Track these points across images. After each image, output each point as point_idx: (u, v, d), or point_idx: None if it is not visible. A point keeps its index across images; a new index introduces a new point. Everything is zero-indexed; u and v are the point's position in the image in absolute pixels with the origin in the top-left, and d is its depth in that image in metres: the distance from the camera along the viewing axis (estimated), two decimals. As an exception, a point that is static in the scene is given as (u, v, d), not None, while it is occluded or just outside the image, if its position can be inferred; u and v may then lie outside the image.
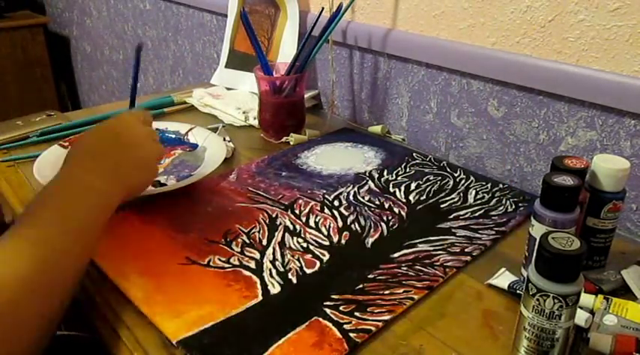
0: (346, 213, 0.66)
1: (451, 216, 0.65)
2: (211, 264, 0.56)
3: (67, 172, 0.53)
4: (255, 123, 0.92)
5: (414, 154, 0.82)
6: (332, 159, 0.81)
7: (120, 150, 0.56)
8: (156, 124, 0.87)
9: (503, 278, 0.53)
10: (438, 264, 0.57)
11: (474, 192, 0.71)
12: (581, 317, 0.45)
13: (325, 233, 0.62)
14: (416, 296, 0.52)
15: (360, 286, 0.53)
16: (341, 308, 0.50)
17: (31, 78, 2.24)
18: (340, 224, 0.64)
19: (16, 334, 0.41)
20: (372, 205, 0.68)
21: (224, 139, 0.84)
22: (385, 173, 0.76)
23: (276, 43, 1.03)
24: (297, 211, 0.67)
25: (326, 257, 0.58)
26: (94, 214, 0.50)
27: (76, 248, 0.47)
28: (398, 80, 0.90)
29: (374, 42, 0.90)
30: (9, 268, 0.42)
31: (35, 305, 0.43)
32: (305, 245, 0.60)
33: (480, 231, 0.62)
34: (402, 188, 0.72)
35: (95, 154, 0.55)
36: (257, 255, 0.58)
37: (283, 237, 0.61)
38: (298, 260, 0.57)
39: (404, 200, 0.69)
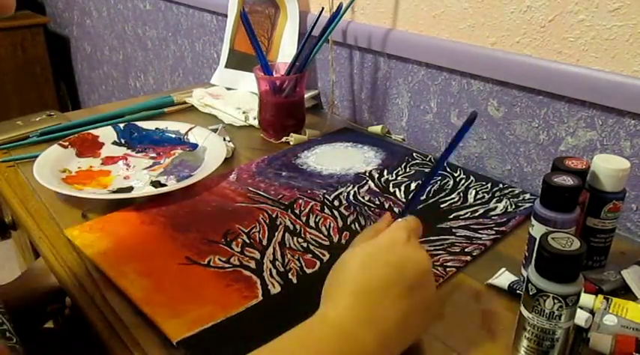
0: (346, 213, 0.66)
1: (451, 216, 0.65)
2: (211, 263, 0.56)
3: (338, 321, 0.39)
4: (255, 123, 0.92)
5: (414, 154, 0.82)
6: (332, 159, 0.81)
7: (406, 294, 0.40)
8: (156, 124, 0.88)
9: (503, 278, 0.53)
10: (438, 263, 0.57)
11: (473, 192, 0.71)
12: (581, 317, 0.45)
13: (325, 233, 0.62)
14: (416, 296, 0.52)
15: (360, 286, 0.53)
16: (341, 308, 0.50)
17: (31, 78, 2.24)
18: (340, 224, 0.64)
19: None
20: (372, 205, 0.68)
21: (224, 139, 0.84)
22: (385, 173, 0.76)
23: (276, 43, 1.03)
24: (297, 211, 0.67)
25: (326, 257, 0.58)
26: None
27: None
28: (398, 80, 0.90)
29: (374, 42, 0.89)
30: None
31: None
32: (305, 245, 0.60)
33: (480, 231, 0.62)
34: (402, 188, 0.72)
35: (372, 300, 0.39)
36: (257, 255, 0.58)
37: (283, 236, 0.61)
38: (298, 260, 0.57)
39: (404, 200, 0.69)
